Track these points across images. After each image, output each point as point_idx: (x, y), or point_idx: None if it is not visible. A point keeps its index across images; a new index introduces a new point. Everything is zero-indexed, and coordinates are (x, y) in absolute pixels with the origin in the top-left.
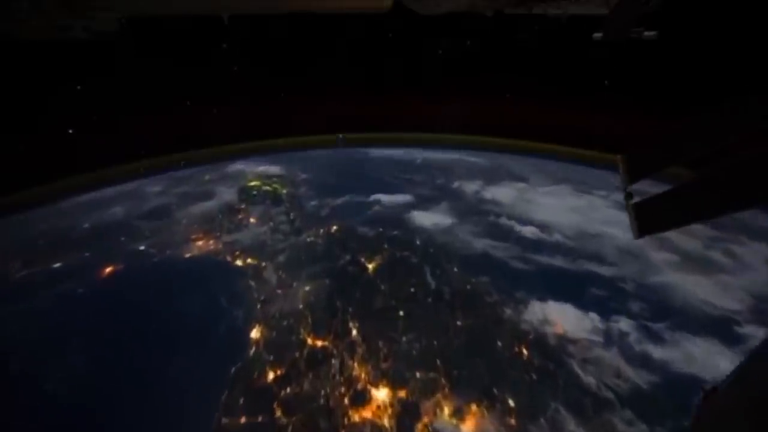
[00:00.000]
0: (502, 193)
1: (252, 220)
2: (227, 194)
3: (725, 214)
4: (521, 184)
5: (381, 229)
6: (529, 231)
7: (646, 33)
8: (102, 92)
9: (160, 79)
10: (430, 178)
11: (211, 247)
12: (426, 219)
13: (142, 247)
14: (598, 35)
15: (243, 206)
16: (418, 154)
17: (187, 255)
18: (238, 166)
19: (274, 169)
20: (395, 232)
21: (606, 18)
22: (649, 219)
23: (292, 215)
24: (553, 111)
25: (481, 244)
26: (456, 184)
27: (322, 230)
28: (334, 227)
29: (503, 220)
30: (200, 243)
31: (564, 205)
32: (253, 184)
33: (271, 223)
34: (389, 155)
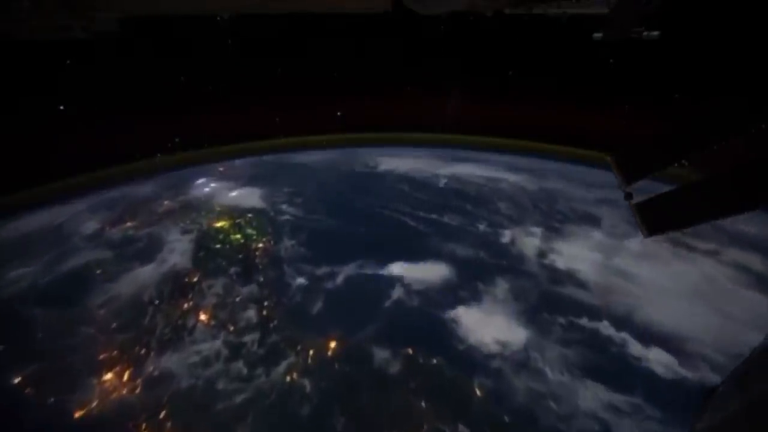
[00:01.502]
0: (580, 256)
1: (202, 317)
2: (178, 248)
3: (732, 214)
4: (597, 234)
5: (410, 353)
6: (658, 359)
7: (647, 33)
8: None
9: (148, 79)
10: (467, 220)
11: (123, 392)
12: (482, 327)
13: (14, 381)
14: (598, 35)
15: (195, 279)
16: (436, 168)
17: (78, 413)
18: (207, 188)
19: (252, 196)
20: (434, 362)
21: (606, 18)
22: (657, 219)
23: (266, 308)
24: (552, 111)
25: (590, 400)
26: (506, 237)
27: (312, 352)
28: (332, 344)
29: (607, 329)
30: (106, 379)
31: (678, 284)
32: (219, 225)
33: (232, 328)
34: (403, 172)
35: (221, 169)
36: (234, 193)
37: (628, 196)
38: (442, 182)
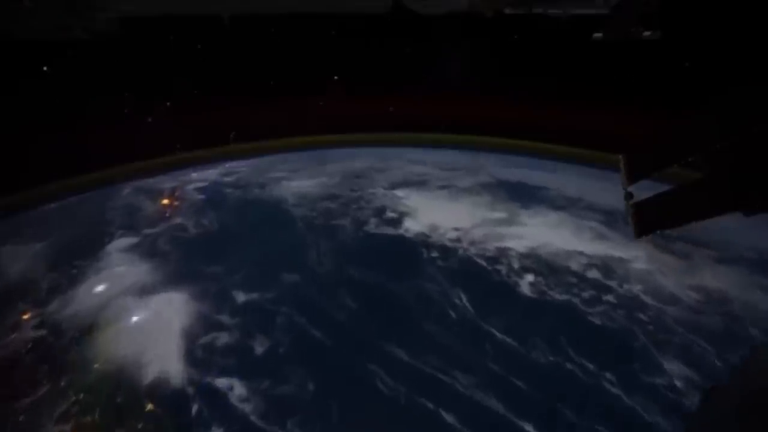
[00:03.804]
0: None
1: None
2: None
3: (725, 213)
4: None
5: None
6: None
7: (646, 33)
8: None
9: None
10: None
11: None
12: None
13: None
14: (598, 35)
15: None
16: (497, 229)
17: None
18: (113, 279)
19: (171, 331)
20: None
21: (606, 18)
22: (648, 219)
23: None
24: (551, 111)
25: None
26: None
27: None
28: None
29: None
30: None
31: None
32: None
33: None
34: (449, 244)
35: (166, 201)
36: (146, 310)
37: (629, 196)
38: (524, 280)
